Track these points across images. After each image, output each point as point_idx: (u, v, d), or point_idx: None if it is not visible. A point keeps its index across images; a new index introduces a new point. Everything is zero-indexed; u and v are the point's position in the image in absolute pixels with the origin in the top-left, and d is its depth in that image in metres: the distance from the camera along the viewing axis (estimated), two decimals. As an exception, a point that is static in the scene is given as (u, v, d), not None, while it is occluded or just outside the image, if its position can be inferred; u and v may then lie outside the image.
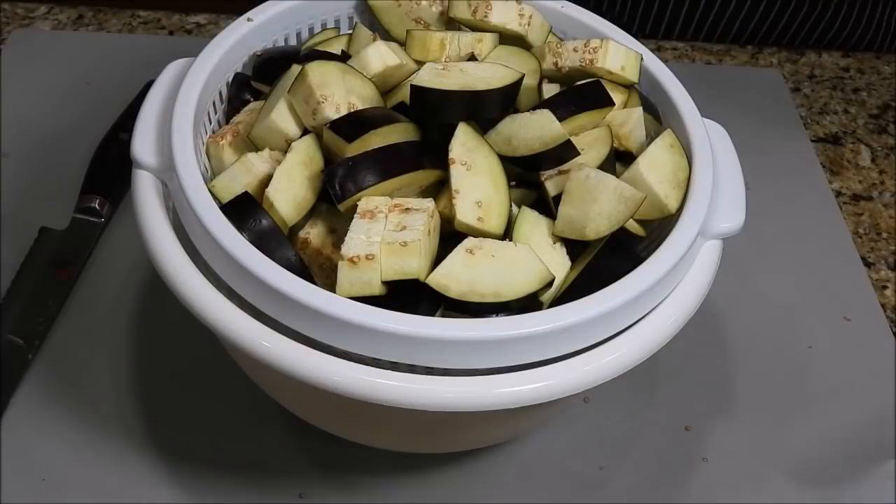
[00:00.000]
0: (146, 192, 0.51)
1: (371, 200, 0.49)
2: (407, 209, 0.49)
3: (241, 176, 0.53)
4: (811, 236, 0.78)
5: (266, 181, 0.51)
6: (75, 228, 0.71)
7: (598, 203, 0.51)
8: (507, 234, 0.52)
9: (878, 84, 0.97)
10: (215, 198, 0.51)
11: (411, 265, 0.46)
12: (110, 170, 0.75)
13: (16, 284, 0.67)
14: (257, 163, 0.53)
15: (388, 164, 0.50)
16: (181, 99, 0.54)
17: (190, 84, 0.55)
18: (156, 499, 0.57)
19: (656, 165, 0.54)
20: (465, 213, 0.50)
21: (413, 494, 0.59)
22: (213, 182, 0.53)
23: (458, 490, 0.60)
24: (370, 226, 0.47)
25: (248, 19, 0.60)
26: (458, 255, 0.48)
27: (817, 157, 0.86)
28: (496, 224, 0.51)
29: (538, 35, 0.62)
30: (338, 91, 0.54)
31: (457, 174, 0.51)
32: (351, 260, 0.46)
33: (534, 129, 0.52)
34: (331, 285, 0.46)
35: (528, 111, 0.54)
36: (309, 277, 0.48)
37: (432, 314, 0.47)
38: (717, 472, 0.62)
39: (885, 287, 0.75)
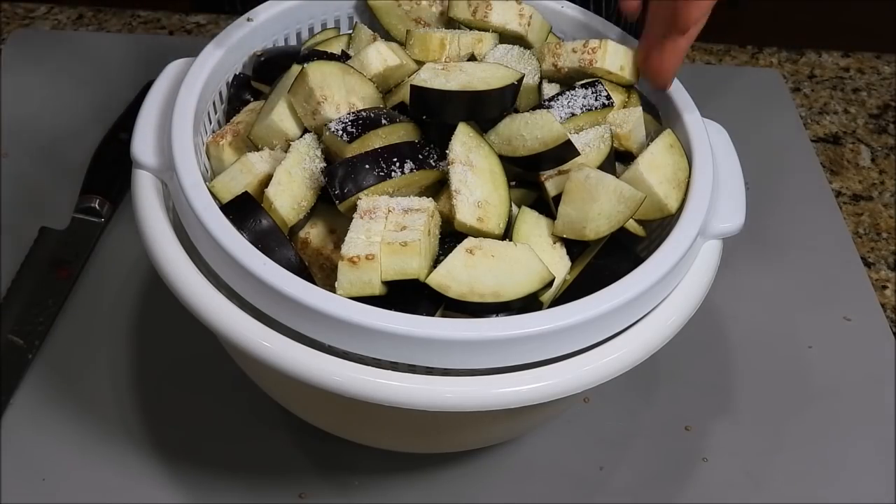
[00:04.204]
0: (146, 192, 0.51)
1: (371, 200, 0.49)
2: (407, 209, 0.49)
3: (241, 176, 0.53)
4: (811, 236, 0.78)
5: (266, 181, 0.51)
6: (75, 228, 0.71)
7: (598, 203, 0.51)
8: (507, 234, 0.52)
9: (878, 84, 0.97)
10: (215, 198, 0.51)
11: (411, 265, 0.46)
12: (110, 170, 0.74)
13: (16, 284, 0.67)
14: (257, 163, 0.53)
15: (389, 163, 0.50)
16: (181, 99, 0.54)
17: (190, 84, 0.55)
18: (156, 499, 0.57)
19: (656, 165, 0.54)
20: (465, 213, 0.50)
21: (413, 494, 0.59)
22: (213, 182, 0.53)
23: (458, 490, 0.60)
24: (370, 226, 0.47)
25: (248, 19, 0.60)
26: (458, 255, 0.48)
27: (817, 157, 0.86)
28: (496, 224, 0.51)
29: (538, 35, 0.62)
30: (338, 91, 0.54)
31: (457, 174, 0.51)
32: (351, 260, 0.46)
33: (534, 129, 0.52)
34: (331, 285, 0.46)
35: (528, 111, 0.54)
36: (309, 277, 0.49)
37: (432, 314, 0.47)
38: (717, 472, 0.62)
39: (885, 287, 0.75)
